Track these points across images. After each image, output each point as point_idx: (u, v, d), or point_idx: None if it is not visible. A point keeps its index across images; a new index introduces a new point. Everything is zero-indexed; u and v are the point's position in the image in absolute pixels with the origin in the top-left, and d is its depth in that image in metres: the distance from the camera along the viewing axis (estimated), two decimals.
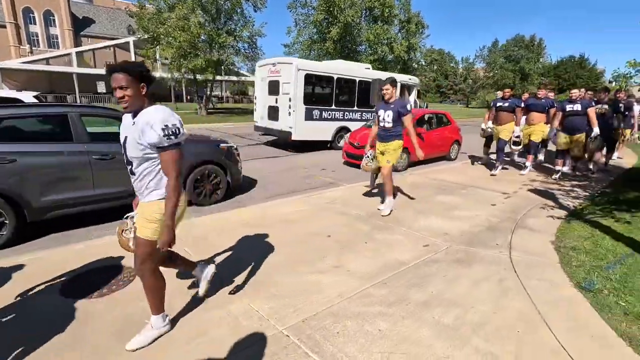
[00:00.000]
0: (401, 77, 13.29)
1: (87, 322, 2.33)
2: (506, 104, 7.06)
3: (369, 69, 13.00)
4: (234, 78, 26.85)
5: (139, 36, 20.68)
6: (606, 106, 7.18)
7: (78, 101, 28.31)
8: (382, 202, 4.83)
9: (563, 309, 2.54)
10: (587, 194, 5.78)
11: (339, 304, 2.56)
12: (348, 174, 7.47)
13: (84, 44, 43.05)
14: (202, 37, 18.41)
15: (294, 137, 9.72)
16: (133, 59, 33.82)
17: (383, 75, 12.62)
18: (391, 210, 4.63)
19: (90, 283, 2.83)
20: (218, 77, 23.29)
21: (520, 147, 7.27)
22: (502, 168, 7.50)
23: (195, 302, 2.56)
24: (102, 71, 33.92)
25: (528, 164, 7.47)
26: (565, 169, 7.28)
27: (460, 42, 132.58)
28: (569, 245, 3.60)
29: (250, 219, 4.31)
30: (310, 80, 9.93)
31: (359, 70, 11.75)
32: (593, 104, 6.64)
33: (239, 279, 2.89)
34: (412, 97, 13.60)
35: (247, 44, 20.51)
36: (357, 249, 3.53)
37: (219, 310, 2.46)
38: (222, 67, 20.44)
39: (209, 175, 5.07)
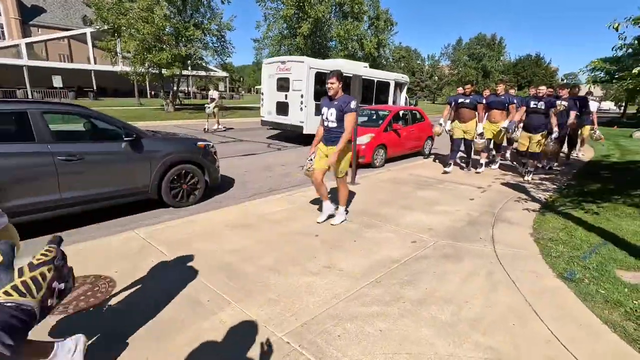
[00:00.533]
0: (394, 75, 14.06)
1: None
2: (467, 100, 6.77)
3: (366, 67, 13.64)
4: (202, 73, 25.94)
5: (97, 27, 19.46)
6: (565, 103, 7.06)
7: (30, 96, 26.27)
8: (336, 209, 4.23)
9: (550, 299, 2.64)
10: (555, 186, 6.10)
11: (336, 306, 2.51)
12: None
13: (34, 35, 39.97)
14: (167, 29, 17.59)
15: (305, 131, 10.39)
16: (90, 51, 31.86)
17: (380, 74, 13.47)
18: (342, 221, 4.15)
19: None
20: (185, 72, 22.44)
21: (484, 140, 6.94)
22: (480, 167, 7.30)
23: (186, 310, 2.42)
24: (56, 64, 31.73)
25: (483, 161, 7.27)
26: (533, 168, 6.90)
27: (426, 40, 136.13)
28: (546, 237, 3.76)
29: (233, 220, 4.16)
30: (320, 78, 10.43)
31: (358, 69, 12.28)
32: (556, 103, 6.39)
33: (229, 284, 2.76)
34: (403, 94, 14.21)
35: (216, 38, 19.86)
36: (347, 247, 3.49)
37: (211, 319, 2.33)
38: (190, 61, 19.65)
39: (185, 175, 4.84)
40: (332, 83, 3.72)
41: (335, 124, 3.83)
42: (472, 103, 6.74)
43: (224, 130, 13.73)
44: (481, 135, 6.86)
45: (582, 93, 8.62)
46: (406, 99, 14.63)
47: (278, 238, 3.69)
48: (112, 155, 4.15)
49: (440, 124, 7.20)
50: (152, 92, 35.98)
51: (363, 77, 11.93)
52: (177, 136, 5.32)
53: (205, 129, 13.31)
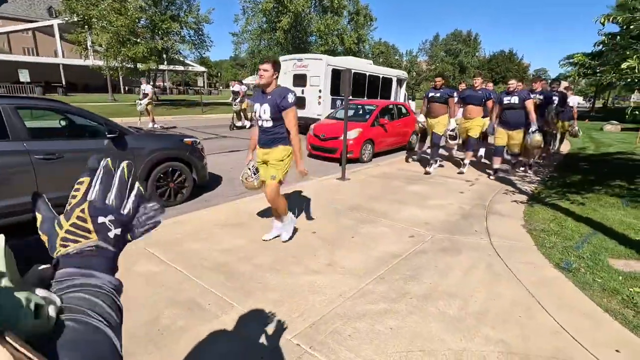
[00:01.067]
0: (396, 72, 15.04)
1: None
2: (438, 94, 6.32)
3: (371, 64, 14.51)
4: (180, 68, 25.16)
5: (66, 19, 18.47)
6: (540, 96, 6.72)
7: None
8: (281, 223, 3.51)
9: (551, 290, 2.68)
10: (538, 178, 6.28)
11: (343, 305, 2.45)
12: (314, 167, 7.35)
13: None
14: (142, 22, 16.89)
15: None
16: (58, 44, 30.31)
17: (384, 70, 14.42)
18: (292, 235, 3.52)
19: None
20: (162, 67, 21.70)
21: (457, 141, 6.51)
22: (439, 165, 7.01)
23: (187, 315, 2.29)
24: (22, 58, 29.97)
25: (466, 161, 6.74)
26: (502, 165, 6.57)
27: (404, 36, 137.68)
28: (538, 228, 3.84)
29: (224, 219, 4.03)
30: (336, 74, 11.14)
31: (365, 66, 13.40)
32: (531, 95, 6.04)
33: (229, 286, 2.65)
34: (403, 90, 14.83)
35: (194, 31, 19.26)
36: (346, 244, 3.44)
37: (215, 322, 2.22)
38: (167, 55, 18.99)
39: (172, 173, 4.64)
40: (265, 70, 3.02)
41: (270, 123, 3.14)
42: (442, 97, 6.28)
43: (165, 129, 12.85)
44: (453, 134, 6.34)
45: (561, 88, 8.68)
46: (405, 94, 15.30)
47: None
48: (93, 153, 3.90)
49: (418, 121, 6.83)
50: (127, 87, 34.67)
51: (369, 73, 13.01)
52: (163, 132, 5.10)
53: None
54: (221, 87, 59.83)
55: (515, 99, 5.80)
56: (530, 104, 5.77)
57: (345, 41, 27.35)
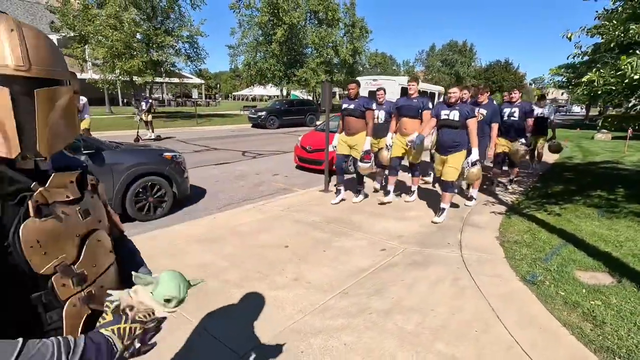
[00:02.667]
0: (438, 88, 18.26)
1: None
2: (352, 106, 4.91)
3: (420, 80, 16.69)
4: (176, 80, 25.44)
5: (63, 34, 18.77)
6: (484, 111, 5.42)
7: None
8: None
9: (513, 303, 2.69)
10: (521, 189, 6.30)
11: (301, 320, 2.46)
12: (301, 179, 7.39)
13: None
14: (137, 36, 17.17)
15: None
16: None
17: (430, 87, 17.73)
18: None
19: None
20: (158, 79, 21.95)
21: (369, 164, 4.92)
22: (364, 197, 5.50)
23: None
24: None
25: (414, 187, 5.51)
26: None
27: (401, 47, 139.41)
28: (511, 240, 3.86)
29: (200, 233, 4.05)
30: (405, 91, 12.46)
31: (421, 84, 15.62)
32: (474, 111, 4.55)
33: (191, 303, 2.65)
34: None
35: (188, 44, 19.56)
36: (316, 258, 3.45)
37: (168, 339, 2.23)
38: (162, 68, 19.24)
39: (151, 188, 4.68)
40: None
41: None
42: (357, 110, 4.89)
43: (155, 139, 12.89)
44: (367, 155, 4.88)
45: (549, 97, 8.49)
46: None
47: (245, 251, 3.61)
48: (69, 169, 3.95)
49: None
50: (125, 100, 34.99)
51: (421, 89, 14.41)
52: (143, 147, 5.15)
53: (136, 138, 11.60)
54: (220, 99, 60.33)
55: (454, 114, 4.33)
56: (473, 124, 4.32)
57: (340, 53, 27.72)
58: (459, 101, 4.43)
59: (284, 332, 2.32)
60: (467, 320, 2.48)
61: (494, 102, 5.83)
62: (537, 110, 7.01)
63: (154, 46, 17.80)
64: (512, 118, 5.82)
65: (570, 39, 3.85)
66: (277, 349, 2.17)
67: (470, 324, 2.45)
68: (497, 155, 5.95)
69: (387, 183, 5.39)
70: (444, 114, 4.44)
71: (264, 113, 18.11)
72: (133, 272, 0.92)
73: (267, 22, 24.25)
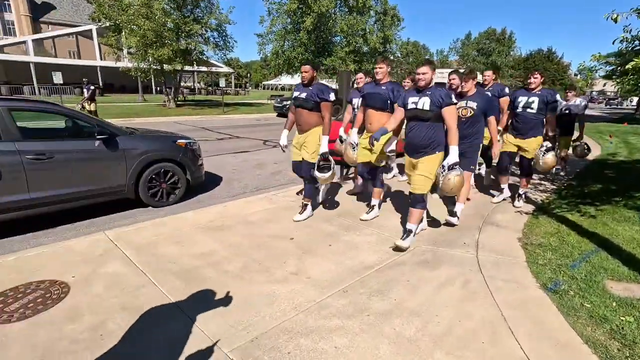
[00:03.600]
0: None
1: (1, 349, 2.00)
2: (303, 94, 3.82)
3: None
4: (204, 69, 25.87)
5: (100, 24, 19.48)
6: (474, 104, 4.11)
7: (36, 92, 26.54)
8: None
9: (529, 313, 2.43)
10: (554, 187, 5.82)
11: (294, 318, 2.34)
12: None
13: (44, 31, 40.43)
14: (167, 25, 17.51)
15: None
16: (96, 47, 32.08)
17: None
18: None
19: (15, 302, 2.48)
20: (188, 68, 22.39)
21: (328, 174, 3.80)
22: (309, 215, 4.21)
23: (133, 321, 2.27)
24: (62, 60, 31.99)
25: (374, 202, 4.24)
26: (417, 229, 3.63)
27: (435, 35, 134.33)
28: (535, 242, 3.53)
29: (208, 221, 4.02)
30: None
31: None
32: (452, 98, 3.22)
33: (187, 293, 2.61)
34: None
35: (217, 32, 19.73)
36: (320, 252, 3.32)
37: (155, 330, 2.18)
38: (191, 56, 19.57)
39: (165, 174, 4.71)
40: (380, 67, 3.92)
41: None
42: (309, 101, 3.78)
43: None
44: (324, 159, 3.82)
45: (597, 89, 7.25)
46: None
47: (250, 241, 3.53)
48: (84, 153, 4.02)
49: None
50: (157, 88, 36.13)
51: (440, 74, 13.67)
52: (157, 134, 5.19)
53: None
54: (250, 88, 60.97)
55: (424, 102, 3.23)
56: (450, 114, 3.17)
57: (370, 41, 26.99)
58: (431, 85, 3.28)
59: (274, 330, 2.22)
60: (473, 328, 2.27)
61: (484, 90, 4.64)
62: (562, 104, 5.94)
63: (183, 35, 18.09)
64: (529, 110, 4.43)
65: (616, 20, 3.40)
66: (263, 348, 2.06)
67: (477, 333, 2.23)
68: (502, 157, 4.73)
69: (371, 196, 4.27)
70: (412, 102, 3.30)
71: (289, 102, 18.05)
72: None
73: (296, 9, 23.94)
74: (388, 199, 5.00)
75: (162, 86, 33.51)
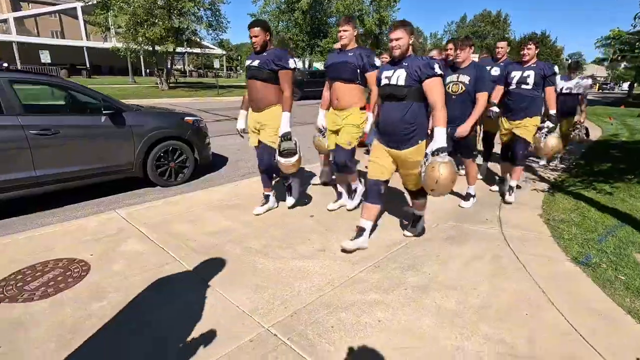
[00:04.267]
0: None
1: (25, 328, 1.90)
2: (256, 62, 3.09)
3: None
4: (197, 50, 25.13)
5: (86, 1, 18.64)
6: (466, 78, 3.47)
7: None
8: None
9: (565, 286, 2.41)
10: (563, 166, 5.81)
11: (331, 293, 2.28)
12: None
13: (24, 9, 38.64)
14: (159, 2, 16.81)
15: None
16: (82, 26, 30.85)
17: None
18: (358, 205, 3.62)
19: (34, 280, 2.36)
20: (180, 49, 21.70)
21: (293, 159, 3.09)
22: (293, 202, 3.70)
23: (158, 296, 2.18)
24: (47, 40, 30.73)
25: (351, 203, 3.71)
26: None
27: (429, 18, 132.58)
28: (557, 218, 3.51)
29: (220, 200, 3.90)
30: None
31: None
32: (436, 68, 2.48)
33: (210, 270, 2.52)
34: None
35: (210, 11, 19.07)
36: (343, 230, 3.24)
37: (194, 307, 2.09)
38: (184, 36, 18.92)
39: (173, 153, 4.54)
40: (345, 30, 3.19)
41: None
42: (262, 70, 3.06)
43: None
44: (287, 153, 3.09)
45: (587, 73, 6.38)
46: None
47: (266, 219, 3.44)
48: (90, 129, 3.83)
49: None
50: (147, 70, 35.10)
51: None
52: (164, 110, 4.99)
53: None
54: (241, 71, 59.73)
55: (398, 76, 2.55)
56: (434, 88, 2.47)
57: (366, 22, 26.49)
58: (409, 54, 2.55)
59: (313, 305, 2.15)
60: (513, 301, 2.23)
61: (482, 64, 3.73)
62: (564, 84, 5.54)
63: (175, 12, 17.42)
64: (524, 86, 3.80)
65: None
66: (306, 322, 2.00)
67: (517, 306, 2.19)
68: (502, 149, 4.24)
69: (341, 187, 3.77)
70: (385, 76, 2.63)
71: None
72: None
73: None
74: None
75: (152, 68, 32.58)
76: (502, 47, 4.77)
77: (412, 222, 3.12)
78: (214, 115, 11.91)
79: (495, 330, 1.97)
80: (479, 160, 4.89)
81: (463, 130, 3.47)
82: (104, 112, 3.87)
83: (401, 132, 2.60)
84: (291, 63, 3.09)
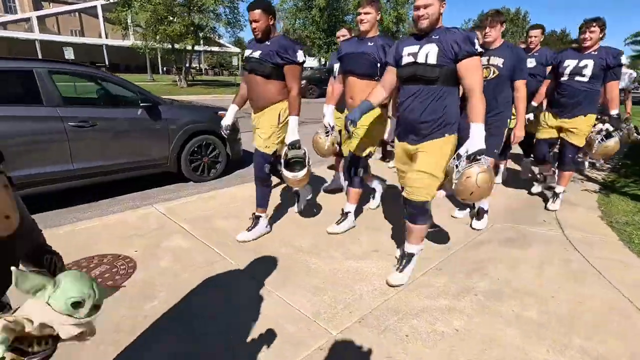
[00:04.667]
0: None
1: None
2: (257, 53, 2.54)
3: None
4: (216, 48, 25.25)
5: None
6: (500, 61, 2.89)
7: None
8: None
9: None
10: (608, 165, 5.50)
11: (396, 297, 2.11)
12: None
13: (45, 9, 39.49)
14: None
15: None
16: (102, 25, 31.31)
17: None
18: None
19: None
20: (197, 48, 21.79)
21: (302, 173, 2.63)
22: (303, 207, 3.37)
23: (211, 296, 2.05)
24: (69, 38, 31.29)
25: (349, 207, 3.04)
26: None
27: (446, 15, 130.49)
28: (621, 221, 3.27)
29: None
30: None
31: None
32: (476, 48, 1.94)
33: (261, 269, 2.37)
34: None
35: (229, 9, 19.06)
36: (394, 229, 3.07)
37: (252, 310, 1.95)
38: (202, 34, 18.98)
39: (206, 148, 4.43)
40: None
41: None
42: (265, 63, 2.52)
43: None
44: (295, 164, 2.67)
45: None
46: None
47: (309, 217, 3.29)
48: (127, 122, 3.74)
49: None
50: (165, 68, 35.45)
51: None
52: (198, 104, 4.89)
53: None
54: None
55: (426, 52, 2.00)
56: (471, 68, 1.95)
57: (384, 20, 26.17)
58: (438, 26, 2.00)
59: (380, 310, 1.98)
60: (600, 311, 2.02)
61: (516, 47, 3.05)
62: (628, 76, 5.14)
63: (195, 9, 17.46)
64: (579, 78, 3.21)
65: None
66: (377, 329, 1.83)
67: (606, 314, 1.99)
68: (539, 146, 3.62)
69: (347, 198, 3.06)
70: (408, 52, 2.05)
71: (303, 82, 17.51)
72: (13, 268, 0.59)
73: None
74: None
75: (169, 66, 32.85)
76: (535, 36, 4.13)
77: (400, 264, 2.31)
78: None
79: (589, 343, 1.77)
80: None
81: (520, 133, 3.01)
82: (141, 104, 3.77)
83: (421, 121, 2.05)
84: (299, 56, 2.51)
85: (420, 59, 1.99)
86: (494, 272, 2.42)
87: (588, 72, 3.17)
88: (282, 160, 2.62)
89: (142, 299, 2.05)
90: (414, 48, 2.03)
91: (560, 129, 3.44)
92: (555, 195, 3.60)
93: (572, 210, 3.57)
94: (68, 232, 2.89)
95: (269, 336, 1.75)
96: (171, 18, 16.84)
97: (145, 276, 2.29)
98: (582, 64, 3.20)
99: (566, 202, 3.78)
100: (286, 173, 2.61)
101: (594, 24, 3.09)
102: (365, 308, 2.00)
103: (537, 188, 4.06)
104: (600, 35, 3.15)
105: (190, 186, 4.35)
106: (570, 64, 3.27)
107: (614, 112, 3.32)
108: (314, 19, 24.08)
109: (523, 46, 4.60)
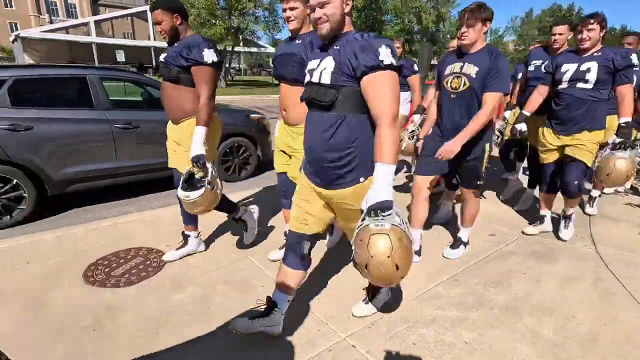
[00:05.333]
0: None
1: (113, 315, 1.99)
2: (163, 57, 2.29)
3: None
4: (254, 49, 25.99)
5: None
6: (473, 70, 2.36)
7: None
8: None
9: None
10: None
11: (408, 306, 2.14)
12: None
13: (102, 14, 42.59)
14: (220, 3, 17.59)
15: None
16: (151, 28, 33.23)
17: None
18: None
19: (118, 267, 2.49)
20: (236, 49, 22.55)
21: (195, 196, 2.13)
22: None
23: (236, 296, 2.18)
24: (121, 41, 33.58)
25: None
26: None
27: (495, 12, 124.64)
28: None
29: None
30: None
31: None
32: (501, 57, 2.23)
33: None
34: None
35: (267, 11, 19.60)
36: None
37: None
38: (241, 36, 19.64)
39: (238, 149, 4.65)
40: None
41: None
42: (169, 66, 2.23)
43: None
44: (201, 166, 2.14)
45: None
46: None
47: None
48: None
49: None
50: None
51: None
52: (231, 107, 5.13)
53: None
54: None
55: (325, 67, 1.51)
56: (376, 84, 1.42)
57: (423, 20, 25.62)
58: (344, 32, 1.55)
59: (390, 317, 2.03)
60: (627, 335, 1.93)
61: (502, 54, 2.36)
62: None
63: (236, 12, 18.11)
64: (581, 85, 2.68)
65: None
66: (383, 336, 1.88)
67: (632, 339, 1.89)
68: (544, 170, 3.09)
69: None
70: (308, 68, 1.62)
71: None
72: None
73: None
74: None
75: None
76: (560, 34, 3.28)
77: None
78: (268, 112, 12.17)
79: None
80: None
81: (448, 149, 2.25)
82: None
83: (329, 162, 1.54)
84: (207, 55, 2.13)
85: (315, 78, 1.53)
86: (515, 286, 2.37)
87: (592, 77, 2.63)
88: (182, 178, 2.18)
89: (171, 292, 2.23)
90: (314, 63, 1.57)
91: (564, 148, 2.86)
92: (566, 218, 3.09)
93: (611, 226, 3.37)
94: (111, 225, 3.18)
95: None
96: (213, 21, 17.58)
97: (174, 271, 2.48)
98: (583, 67, 2.66)
99: (605, 217, 3.59)
100: (180, 193, 2.15)
101: (592, 21, 2.59)
102: (378, 314, 2.05)
103: (531, 229, 3.18)
104: (601, 34, 2.64)
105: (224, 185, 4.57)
106: (569, 68, 2.73)
107: (624, 119, 2.61)
108: (352, 20, 24.06)
109: (538, 45, 4.00)
